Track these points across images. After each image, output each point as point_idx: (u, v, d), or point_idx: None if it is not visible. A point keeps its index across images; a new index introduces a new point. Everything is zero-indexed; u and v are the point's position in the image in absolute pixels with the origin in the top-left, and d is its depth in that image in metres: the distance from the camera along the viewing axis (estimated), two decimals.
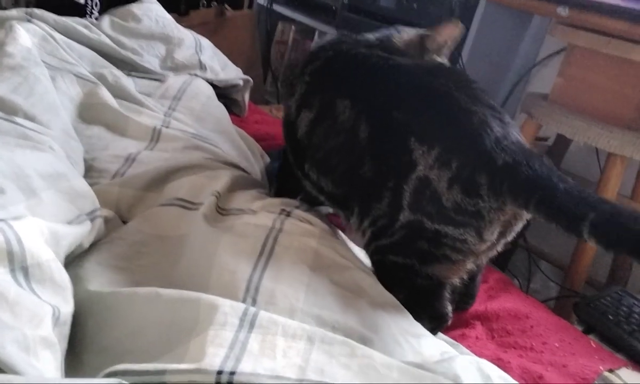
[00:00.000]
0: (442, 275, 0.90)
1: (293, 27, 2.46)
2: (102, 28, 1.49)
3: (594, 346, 1.10)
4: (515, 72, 1.97)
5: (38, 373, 0.58)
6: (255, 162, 1.37)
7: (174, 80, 1.44)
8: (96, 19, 1.74)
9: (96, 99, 1.23)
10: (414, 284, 0.91)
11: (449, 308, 0.95)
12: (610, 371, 1.03)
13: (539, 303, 1.25)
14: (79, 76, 1.26)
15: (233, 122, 1.52)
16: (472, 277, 1.00)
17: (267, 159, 1.43)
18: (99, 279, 0.83)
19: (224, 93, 1.65)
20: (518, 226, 0.89)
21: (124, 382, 0.57)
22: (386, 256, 0.92)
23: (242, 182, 1.08)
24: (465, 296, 1.05)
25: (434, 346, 0.84)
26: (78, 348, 0.76)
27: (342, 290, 0.85)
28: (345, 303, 0.82)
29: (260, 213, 0.95)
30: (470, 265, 0.90)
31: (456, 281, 0.93)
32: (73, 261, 0.86)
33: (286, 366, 0.63)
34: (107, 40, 1.44)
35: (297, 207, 0.99)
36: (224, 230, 0.89)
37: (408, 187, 0.86)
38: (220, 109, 1.48)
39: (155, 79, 1.45)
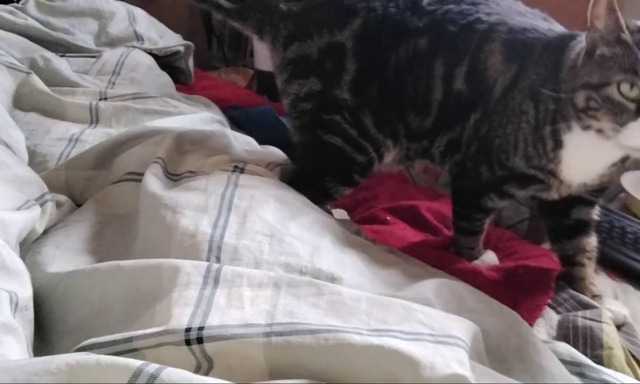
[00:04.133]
0: None
1: None
2: (28, 12, 1.43)
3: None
4: None
5: (2, 359, 0.57)
6: (212, 110, 1.36)
7: (110, 55, 1.39)
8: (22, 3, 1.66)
9: (29, 88, 1.18)
10: None
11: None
12: None
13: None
14: (9, 66, 1.21)
15: (181, 91, 1.49)
16: None
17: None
18: (58, 262, 0.81)
19: (167, 62, 1.60)
20: None
21: (89, 354, 0.56)
22: None
23: (190, 139, 1.05)
24: None
25: (405, 273, 0.86)
26: (47, 332, 0.75)
27: (307, 233, 0.85)
28: (312, 245, 0.82)
29: (213, 173, 0.93)
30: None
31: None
32: (30, 248, 0.85)
33: (255, 313, 0.63)
34: (35, 24, 1.39)
35: (249, 162, 0.98)
36: (178, 195, 0.87)
37: None
38: (163, 77, 1.45)
39: (92, 56, 1.40)
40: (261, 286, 0.68)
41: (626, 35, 0.77)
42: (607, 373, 0.78)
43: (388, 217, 1.19)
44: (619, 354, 0.87)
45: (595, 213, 1.02)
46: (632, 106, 0.77)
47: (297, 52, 1.00)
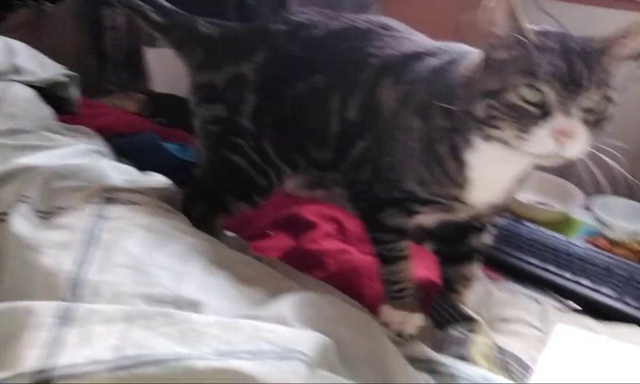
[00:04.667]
0: None
1: (120, 10, 2.37)
2: None
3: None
4: None
5: None
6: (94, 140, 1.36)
7: None
8: None
9: None
10: None
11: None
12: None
13: None
14: None
15: (68, 121, 1.47)
16: None
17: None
18: None
19: (52, 94, 1.58)
20: None
21: None
22: None
23: (61, 173, 1.05)
24: None
25: (271, 290, 0.90)
26: None
27: (175, 261, 0.88)
28: (177, 273, 0.85)
29: (82, 207, 0.95)
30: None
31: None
32: None
33: (102, 349, 0.65)
34: None
35: (122, 191, 1.00)
36: (43, 234, 0.88)
37: None
38: (43, 110, 1.42)
39: None
40: (113, 321, 0.70)
41: (526, 37, 0.75)
42: (455, 366, 0.86)
43: (269, 232, 1.23)
44: (481, 349, 0.94)
45: (488, 238, 1.04)
46: (534, 111, 0.74)
47: (207, 78, 1.05)
